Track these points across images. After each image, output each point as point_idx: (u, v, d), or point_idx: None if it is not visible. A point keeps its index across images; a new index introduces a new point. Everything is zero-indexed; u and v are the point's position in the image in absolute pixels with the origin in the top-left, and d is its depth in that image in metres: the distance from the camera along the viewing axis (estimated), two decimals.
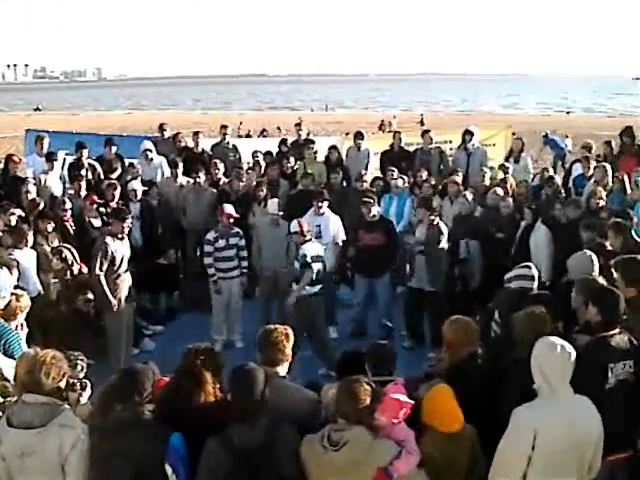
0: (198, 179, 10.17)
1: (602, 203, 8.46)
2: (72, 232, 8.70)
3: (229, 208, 8.71)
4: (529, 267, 6.28)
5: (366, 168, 11.62)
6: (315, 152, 11.52)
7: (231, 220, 8.67)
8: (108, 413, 3.71)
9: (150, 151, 11.10)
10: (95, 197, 9.12)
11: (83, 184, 9.66)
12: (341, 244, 9.09)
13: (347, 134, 15.80)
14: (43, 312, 6.94)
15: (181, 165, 10.69)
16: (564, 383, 3.86)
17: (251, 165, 11.67)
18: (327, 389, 4.30)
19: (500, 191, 9.36)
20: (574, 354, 3.88)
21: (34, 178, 9.89)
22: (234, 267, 8.75)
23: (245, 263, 8.87)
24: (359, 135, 12.36)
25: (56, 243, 8.15)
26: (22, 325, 5.70)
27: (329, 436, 3.64)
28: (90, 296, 7.79)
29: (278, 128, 31.38)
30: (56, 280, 7.87)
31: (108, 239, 7.60)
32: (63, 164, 10.92)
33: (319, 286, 7.78)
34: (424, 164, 11.39)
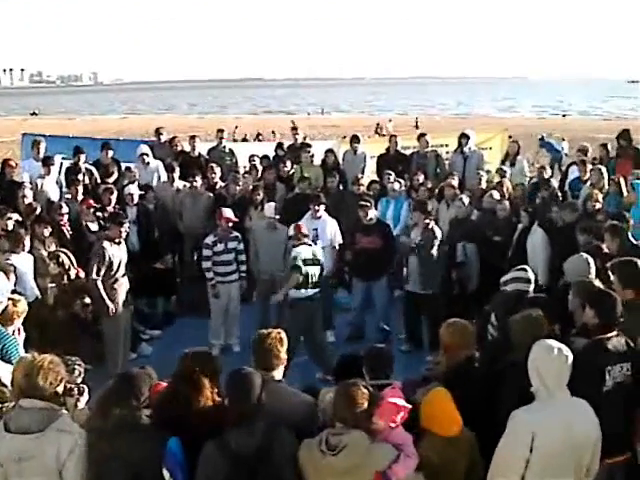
0: (195, 183, 10.17)
1: (598, 206, 8.48)
2: (69, 236, 8.68)
3: (228, 212, 8.71)
4: (525, 270, 6.29)
5: (363, 172, 11.63)
6: (312, 156, 11.52)
7: (230, 224, 8.67)
8: (106, 417, 3.70)
9: (147, 155, 11.08)
10: (92, 201, 9.10)
11: (80, 188, 9.64)
12: (338, 248, 9.09)
13: (344, 138, 15.80)
14: (40, 317, 6.92)
15: (178, 169, 10.69)
16: (561, 386, 3.86)
17: (248, 169, 11.69)
18: (325, 393, 4.30)
19: (496, 194, 9.38)
20: (571, 357, 3.89)
21: (31, 182, 9.85)
22: (232, 271, 8.75)
23: (244, 267, 8.87)
24: (355, 139, 12.37)
25: (53, 248, 8.14)
26: (19, 330, 5.69)
27: (327, 440, 3.64)
28: (87, 301, 7.80)
29: (272, 132, 31.43)
30: (53, 285, 7.85)
31: (105, 243, 7.59)
32: (60, 168, 10.89)
33: (314, 290, 7.78)
34: (420, 167, 11.39)
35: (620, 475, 4.40)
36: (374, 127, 40.75)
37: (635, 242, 6.95)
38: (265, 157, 12.00)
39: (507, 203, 9.17)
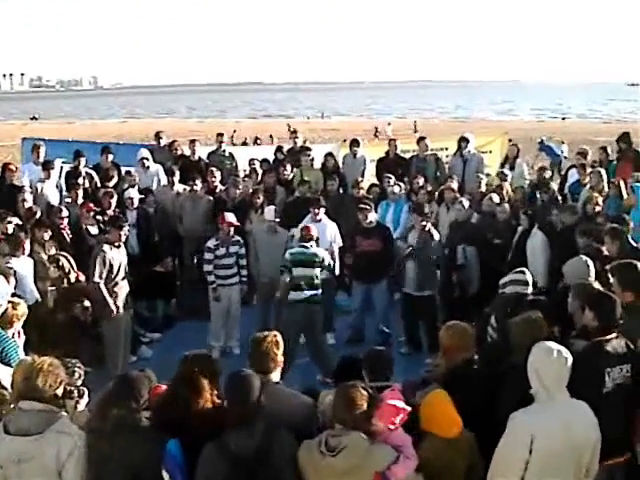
0: (195, 187, 10.19)
1: (598, 209, 8.48)
2: (69, 240, 8.68)
3: (230, 217, 8.72)
4: (523, 272, 6.31)
5: (362, 175, 11.64)
6: (311, 159, 11.55)
7: (232, 228, 8.68)
8: (105, 419, 3.71)
9: (147, 159, 11.11)
10: (92, 205, 9.11)
11: (80, 192, 9.65)
12: (338, 251, 9.10)
13: (344, 141, 15.85)
14: (40, 320, 6.93)
15: (178, 173, 10.71)
16: (561, 388, 3.87)
17: (247, 173, 11.71)
18: (324, 395, 4.31)
19: (496, 197, 9.39)
20: (570, 359, 3.89)
21: (31, 186, 9.87)
22: (233, 274, 8.76)
23: (244, 272, 8.87)
24: (355, 142, 12.41)
25: (53, 251, 8.13)
26: (19, 333, 5.69)
27: (326, 442, 3.64)
28: (87, 304, 7.79)
29: (270, 136, 31.48)
30: (53, 288, 7.86)
31: (105, 247, 7.61)
32: (60, 172, 10.91)
33: (311, 292, 7.77)
34: (420, 171, 11.41)
35: (620, 476, 4.41)
36: (373, 131, 40.84)
37: (635, 245, 6.95)
38: (265, 161, 12.02)
39: (507, 206, 9.18)
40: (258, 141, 29.40)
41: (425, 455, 3.82)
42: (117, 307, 7.67)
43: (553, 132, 36.04)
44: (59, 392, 3.79)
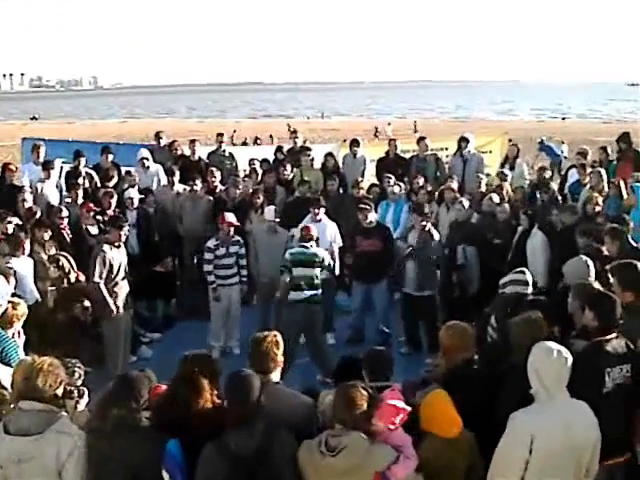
0: (195, 187, 10.19)
1: (598, 209, 8.48)
2: (69, 240, 8.68)
3: (230, 217, 8.73)
4: (523, 272, 6.32)
5: (362, 175, 11.64)
6: (311, 159, 11.55)
7: (232, 228, 8.69)
8: (105, 419, 3.71)
9: (147, 159, 11.11)
10: (92, 205, 9.11)
11: (80, 192, 9.65)
12: (338, 251, 9.10)
13: (344, 141, 15.86)
14: (40, 320, 6.93)
15: (178, 173, 10.71)
16: (561, 388, 3.87)
17: (248, 173, 11.70)
18: (324, 395, 4.31)
19: (496, 197, 9.38)
20: (570, 359, 3.89)
21: (31, 186, 9.87)
22: (233, 274, 8.76)
23: (244, 272, 8.88)
24: (355, 142, 12.41)
25: (53, 251, 8.13)
26: (19, 333, 5.70)
27: (326, 442, 3.65)
28: (87, 304, 7.79)
29: (270, 136, 31.48)
30: (53, 288, 7.86)
31: (105, 247, 7.62)
32: (60, 172, 10.91)
33: (311, 292, 7.76)
34: (420, 171, 11.41)
35: (620, 476, 4.40)
36: (373, 132, 40.84)
37: (635, 245, 6.96)
38: (265, 161, 12.02)
39: (507, 206, 9.18)
40: (258, 141, 29.42)
41: (425, 455, 3.83)
42: (117, 307, 7.68)
43: (553, 132, 36.05)
44: (59, 392, 3.79)
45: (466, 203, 9.34)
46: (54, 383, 3.73)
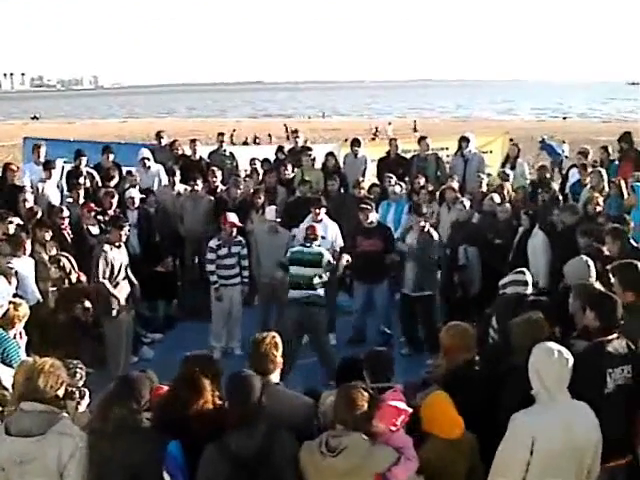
0: (196, 187, 10.19)
1: (599, 209, 8.47)
2: (70, 240, 8.67)
3: (233, 217, 8.74)
4: (523, 273, 6.32)
5: (363, 175, 11.62)
6: (312, 159, 11.54)
7: (234, 229, 8.69)
8: (106, 419, 3.71)
9: (148, 159, 11.10)
10: (93, 205, 9.11)
11: (81, 192, 9.66)
12: (339, 251, 9.09)
13: (345, 141, 15.84)
14: (41, 320, 6.93)
15: (178, 173, 10.71)
16: (562, 389, 3.87)
17: (248, 172, 11.69)
18: (326, 396, 4.31)
19: (497, 197, 9.37)
20: (571, 360, 3.89)
21: (32, 186, 9.88)
22: (235, 275, 8.77)
23: (246, 272, 8.88)
24: (356, 142, 12.40)
25: (54, 251, 8.13)
26: (21, 333, 5.70)
27: (327, 442, 3.65)
28: (88, 304, 7.79)
29: (269, 135, 31.47)
30: (54, 288, 7.85)
31: (106, 247, 7.62)
32: (61, 172, 10.91)
33: (310, 292, 7.72)
34: (421, 171, 11.41)
35: (622, 478, 4.39)
36: (372, 131, 40.81)
37: (636, 245, 6.95)
38: (266, 160, 12.00)
39: (508, 205, 9.17)
40: (257, 140, 29.43)
41: (426, 456, 3.83)
42: (120, 306, 7.68)
43: (554, 131, 36.04)
44: (60, 393, 3.79)
45: (467, 203, 9.33)
46: (55, 384, 3.73)
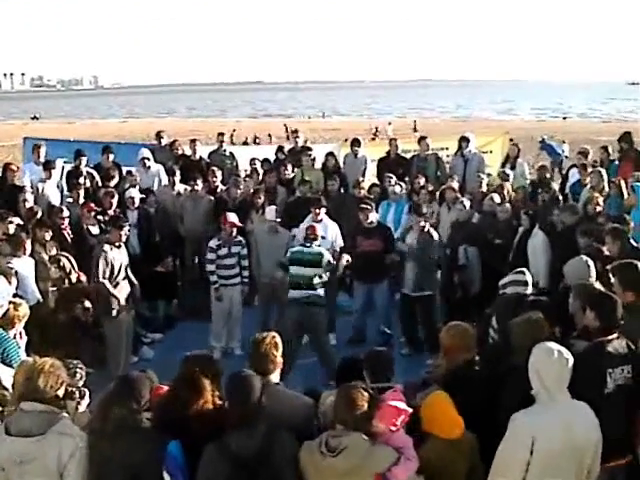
0: (196, 187, 10.18)
1: (599, 209, 8.47)
2: (70, 240, 8.67)
3: (233, 217, 8.74)
4: (523, 273, 6.32)
5: (363, 175, 11.62)
6: (312, 159, 11.54)
7: (234, 229, 8.69)
8: (106, 419, 3.72)
9: (148, 159, 11.10)
10: (93, 205, 9.11)
11: (82, 192, 9.66)
12: (339, 251, 9.09)
13: (346, 140, 15.84)
14: (41, 320, 6.93)
15: (178, 173, 10.71)
16: (561, 388, 3.87)
17: (249, 172, 11.69)
18: (326, 396, 4.31)
19: (496, 197, 9.36)
20: (571, 360, 3.89)
21: (32, 186, 9.88)
22: (235, 275, 8.78)
23: (246, 272, 8.88)
24: (356, 142, 12.39)
25: (54, 251, 8.13)
26: (21, 334, 5.70)
27: (327, 442, 3.65)
28: (88, 304, 7.79)
29: (269, 135, 31.46)
30: (54, 288, 7.85)
31: (106, 247, 7.62)
32: (61, 172, 10.92)
33: (309, 292, 7.72)
34: (421, 171, 11.41)
35: (621, 478, 4.39)
36: (372, 131, 40.80)
37: (636, 244, 6.95)
38: (266, 160, 12.00)
39: (508, 206, 9.17)
40: (257, 140, 29.44)
41: (426, 456, 3.83)
42: (120, 305, 7.68)
43: (554, 131, 36.04)
44: (60, 393, 3.79)
45: (467, 203, 9.33)
46: (55, 384, 3.73)
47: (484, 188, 10.43)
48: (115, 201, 9.25)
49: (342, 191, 11.06)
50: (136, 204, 9.53)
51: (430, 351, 7.94)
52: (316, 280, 7.75)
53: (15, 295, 6.05)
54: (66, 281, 7.97)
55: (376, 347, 5.22)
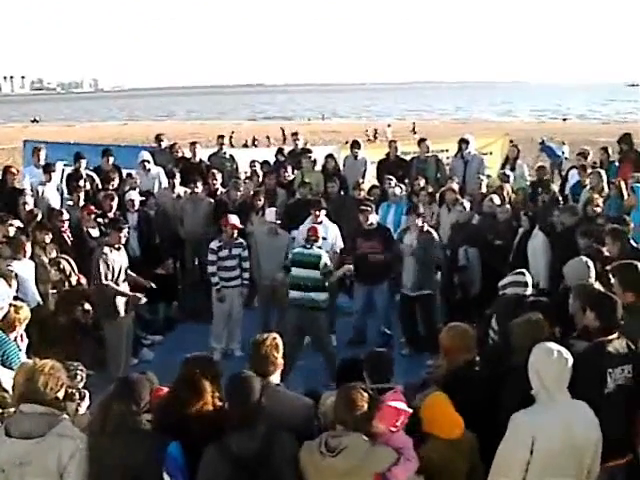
0: (196, 189, 10.18)
1: (599, 210, 8.48)
2: (70, 243, 8.68)
3: (234, 219, 8.75)
4: (523, 273, 6.32)
5: (363, 177, 11.64)
6: (312, 161, 11.54)
7: (235, 231, 8.69)
8: (106, 421, 3.72)
9: (148, 162, 11.10)
10: (93, 207, 9.12)
11: (81, 195, 9.67)
12: (339, 253, 9.10)
13: (346, 142, 15.86)
14: (42, 323, 6.93)
15: (178, 175, 10.70)
16: (561, 388, 3.88)
17: (248, 175, 11.71)
18: (326, 397, 4.32)
19: (496, 199, 9.37)
20: (571, 360, 3.90)
21: (32, 189, 9.89)
22: (235, 277, 8.78)
23: (246, 274, 8.88)
24: (356, 144, 12.40)
25: (54, 254, 8.14)
26: (22, 336, 5.70)
27: (327, 442, 3.66)
28: (88, 306, 7.79)
29: (267, 138, 31.46)
30: (54, 291, 7.86)
31: (105, 249, 7.64)
32: (62, 175, 10.93)
33: (310, 293, 7.71)
34: (420, 172, 11.41)
35: (621, 477, 4.39)
36: (372, 133, 40.78)
37: (636, 245, 6.96)
38: (266, 163, 12.01)
39: (508, 207, 9.18)
40: (255, 142, 29.45)
41: (426, 456, 3.83)
42: (123, 305, 7.71)
43: (554, 133, 36.05)
44: (60, 395, 3.79)
45: (467, 204, 9.34)
46: (55, 386, 3.73)
47: (484, 189, 10.43)
48: (115, 204, 9.27)
49: (342, 193, 11.06)
50: (136, 207, 9.55)
51: (430, 352, 7.94)
52: (317, 282, 7.76)
53: (15, 298, 6.05)
54: (66, 283, 7.98)
55: (376, 348, 5.22)
